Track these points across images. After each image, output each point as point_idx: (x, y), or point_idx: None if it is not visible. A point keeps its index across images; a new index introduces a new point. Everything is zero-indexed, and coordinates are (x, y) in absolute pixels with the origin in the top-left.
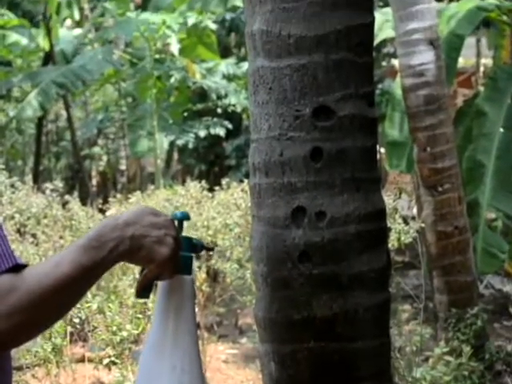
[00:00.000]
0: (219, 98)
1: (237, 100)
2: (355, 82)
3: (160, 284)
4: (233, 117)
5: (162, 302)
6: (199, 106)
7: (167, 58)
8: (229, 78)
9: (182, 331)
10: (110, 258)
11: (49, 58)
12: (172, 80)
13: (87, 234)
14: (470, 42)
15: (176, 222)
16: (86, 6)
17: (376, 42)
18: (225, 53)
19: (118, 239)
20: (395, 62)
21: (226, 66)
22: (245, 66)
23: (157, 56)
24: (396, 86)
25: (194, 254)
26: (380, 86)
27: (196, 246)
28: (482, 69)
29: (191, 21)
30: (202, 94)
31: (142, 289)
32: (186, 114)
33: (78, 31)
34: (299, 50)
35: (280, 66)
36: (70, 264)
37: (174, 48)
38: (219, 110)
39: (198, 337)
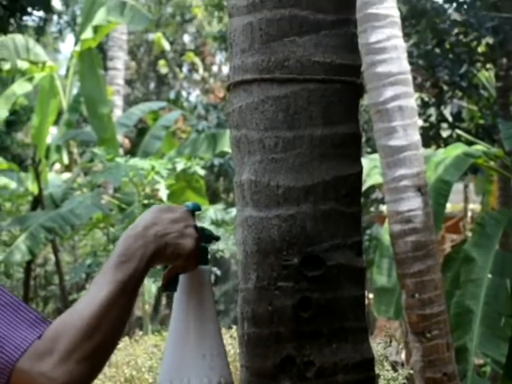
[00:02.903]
0: None
1: (225, 245)
2: (343, 232)
3: (180, 276)
4: (221, 262)
5: (182, 294)
6: None
7: (156, 204)
8: (217, 223)
9: (205, 320)
10: (142, 265)
11: (38, 202)
12: None
13: (114, 253)
14: (457, 187)
15: None
16: (75, 151)
17: (364, 188)
18: (213, 198)
19: (144, 245)
20: (383, 208)
21: (214, 211)
22: (233, 211)
23: (145, 201)
24: (384, 232)
25: (207, 245)
26: (368, 231)
27: (208, 237)
28: (469, 214)
29: (180, 166)
30: None
31: (168, 283)
32: None
33: (66, 175)
34: (288, 201)
35: (269, 216)
36: (108, 286)
37: (163, 193)
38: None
39: (219, 323)
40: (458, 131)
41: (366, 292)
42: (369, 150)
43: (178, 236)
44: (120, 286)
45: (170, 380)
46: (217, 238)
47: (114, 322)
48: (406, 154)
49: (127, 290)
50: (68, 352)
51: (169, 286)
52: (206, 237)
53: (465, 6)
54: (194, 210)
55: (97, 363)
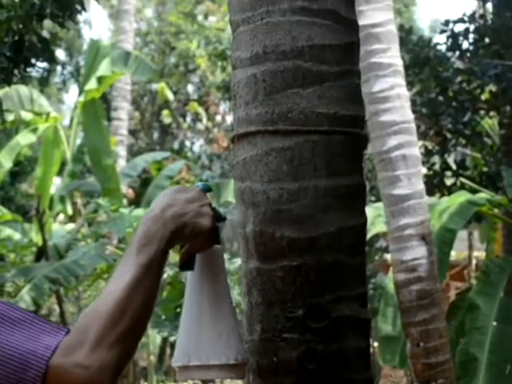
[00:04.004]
0: None
1: None
2: (348, 283)
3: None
4: None
5: (196, 272)
6: None
7: None
8: None
9: (220, 299)
10: (162, 246)
11: (42, 253)
12: (164, 276)
13: (134, 238)
14: (462, 235)
15: None
16: (79, 201)
17: (368, 236)
18: None
19: (163, 227)
20: (388, 257)
21: None
22: (238, 261)
23: None
24: (389, 281)
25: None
26: (373, 280)
27: (218, 217)
28: (474, 262)
29: None
30: None
31: (186, 261)
32: (178, 310)
33: (70, 226)
34: (292, 252)
35: (273, 267)
36: (131, 270)
37: None
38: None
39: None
40: (462, 179)
41: (371, 340)
42: (373, 198)
43: (195, 215)
44: (143, 269)
45: (188, 356)
46: (224, 219)
47: (141, 305)
48: (410, 203)
49: (150, 272)
50: (98, 340)
51: (186, 265)
52: (216, 216)
53: (468, 54)
54: (206, 190)
55: (127, 347)
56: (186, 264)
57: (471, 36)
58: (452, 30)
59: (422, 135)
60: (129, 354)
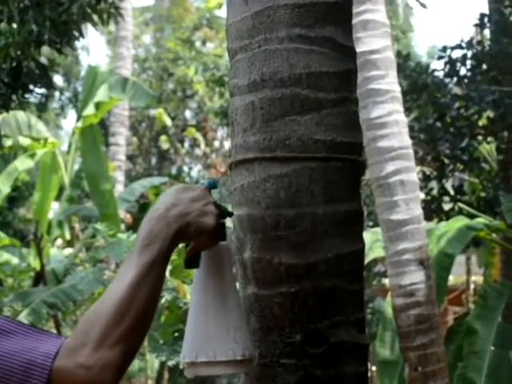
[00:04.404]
0: None
1: None
2: (346, 308)
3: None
4: None
5: (203, 269)
6: None
7: None
8: None
9: (227, 294)
10: (166, 246)
11: (40, 278)
12: (163, 300)
13: (138, 237)
14: (459, 259)
15: None
16: (77, 226)
17: (366, 261)
18: None
19: (166, 227)
20: (386, 281)
21: None
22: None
23: None
24: (387, 306)
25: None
26: (371, 305)
27: (223, 213)
28: (472, 286)
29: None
30: None
31: (191, 259)
32: (176, 335)
33: (68, 251)
34: (290, 278)
35: (271, 293)
36: (133, 269)
37: None
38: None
39: (239, 294)
40: (460, 204)
41: (369, 365)
42: (371, 223)
43: (199, 214)
44: (145, 268)
45: (196, 353)
46: (230, 214)
47: (143, 304)
48: (408, 228)
49: (153, 272)
50: (100, 340)
51: (191, 263)
52: (222, 212)
53: (465, 80)
54: (211, 187)
55: (130, 345)
56: (191, 262)
57: (469, 62)
58: (450, 56)
59: (420, 161)
60: (132, 353)
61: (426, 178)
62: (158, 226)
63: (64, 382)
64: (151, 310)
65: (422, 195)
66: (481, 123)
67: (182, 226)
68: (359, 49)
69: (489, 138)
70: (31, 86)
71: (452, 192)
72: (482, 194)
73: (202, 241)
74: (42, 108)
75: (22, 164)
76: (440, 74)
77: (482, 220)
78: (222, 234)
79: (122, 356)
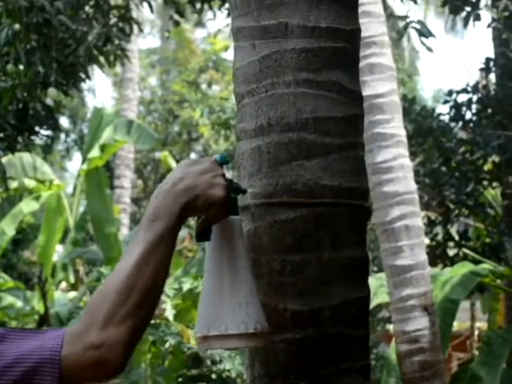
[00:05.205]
0: (214, 363)
1: (231, 366)
2: (351, 355)
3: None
4: (227, 383)
5: (215, 244)
6: (194, 372)
7: (162, 323)
8: None
9: (238, 268)
10: (173, 220)
11: (44, 321)
12: (167, 345)
13: (145, 213)
14: (464, 305)
15: None
16: (82, 269)
17: (371, 306)
18: None
19: (173, 201)
20: (390, 327)
21: None
22: None
23: (151, 321)
24: (391, 351)
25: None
26: (375, 350)
27: (236, 189)
28: (476, 332)
29: (186, 286)
30: (197, 359)
31: (202, 232)
32: (180, 380)
33: (73, 294)
34: (295, 324)
35: (276, 339)
36: (139, 246)
37: (169, 313)
38: (214, 376)
39: (251, 268)
40: (465, 250)
41: None
42: (375, 268)
43: (207, 187)
44: (151, 244)
45: (208, 327)
46: (244, 191)
47: (149, 280)
48: (413, 274)
49: (159, 247)
50: (107, 319)
51: (202, 236)
52: (234, 188)
53: (471, 125)
54: (223, 162)
55: (138, 322)
56: (202, 235)
57: (474, 106)
58: (455, 101)
59: (425, 205)
60: (140, 329)
61: (430, 223)
62: (164, 202)
63: (76, 367)
64: (159, 286)
65: (426, 240)
66: (486, 168)
67: (190, 200)
68: (365, 92)
69: (494, 183)
70: (37, 128)
71: (457, 237)
72: (487, 240)
73: (212, 214)
74: (47, 150)
75: (27, 206)
76: (445, 118)
77: (486, 266)
78: (234, 209)
79: (130, 332)
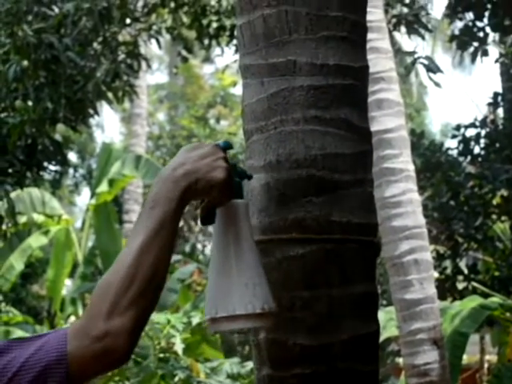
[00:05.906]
0: None
1: None
2: None
3: (217, 210)
4: None
5: (220, 227)
6: None
7: (171, 357)
8: (233, 377)
9: (244, 250)
10: (173, 206)
11: None
12: (176, 379)
13: (146, 200)
14: (473, 338)
15: None
16: None
17: (380, 340)
18: (229, 351)
19: (173, 186)
20: (400, 361)
21: (230, 365)
22: (249, 365)
23: (161, 355)
24: None
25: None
26: None
27: (241, 173)
28: (486, 366)
29: (196, 320)
30: None
31: (206, 215)
32: None
33: None
34: (305, 360)
35: (285, 375)
36: (139, 235)
37: (179, 347)
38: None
39: (258, 251)
40: (474, 283)
41: None
42: (384, 302)
43: (208, 170)
44: (151, 231)
45: (216, 308)
46: (249, 177)
47: (151, 268)
48: (422, 308)
49: (161, 234)
50: (110, 310)
51: (207, 220)
52: (239, 173)
53: (479, 159)
54: (225, 148)
55: (141, 310)
56: (206, 218)
57: (482, 141)
58: (463, 135)
59: (434, 239)
60: (143, 317)
61: (439, 257)
62: (164, 188)
63: (84, 360)
64: (161, 273)
65: (435, 274)
66: (495, 202)
67: (191, 183)
68: (374, 128)
69: (503, 217)
70: (46, 163)
71: (466, 271)
72: (496, 273)
73: (215, 197)
74: (56, 185)
75: (35, 241)
76: (454, 153)
77: (495, 299)
78: (239, 192)
79: (134, 321)
